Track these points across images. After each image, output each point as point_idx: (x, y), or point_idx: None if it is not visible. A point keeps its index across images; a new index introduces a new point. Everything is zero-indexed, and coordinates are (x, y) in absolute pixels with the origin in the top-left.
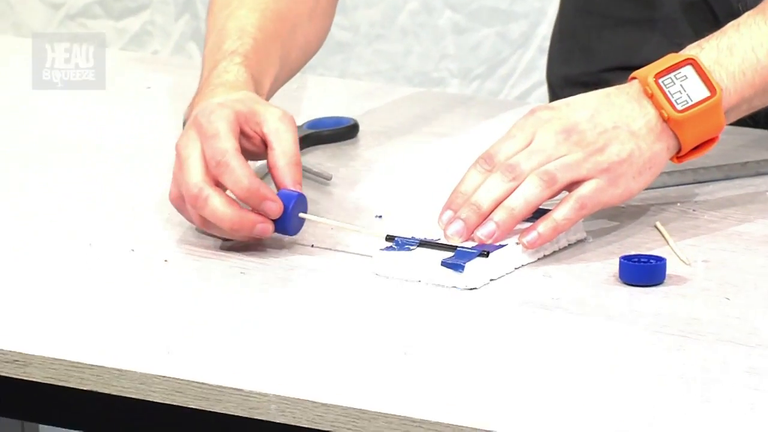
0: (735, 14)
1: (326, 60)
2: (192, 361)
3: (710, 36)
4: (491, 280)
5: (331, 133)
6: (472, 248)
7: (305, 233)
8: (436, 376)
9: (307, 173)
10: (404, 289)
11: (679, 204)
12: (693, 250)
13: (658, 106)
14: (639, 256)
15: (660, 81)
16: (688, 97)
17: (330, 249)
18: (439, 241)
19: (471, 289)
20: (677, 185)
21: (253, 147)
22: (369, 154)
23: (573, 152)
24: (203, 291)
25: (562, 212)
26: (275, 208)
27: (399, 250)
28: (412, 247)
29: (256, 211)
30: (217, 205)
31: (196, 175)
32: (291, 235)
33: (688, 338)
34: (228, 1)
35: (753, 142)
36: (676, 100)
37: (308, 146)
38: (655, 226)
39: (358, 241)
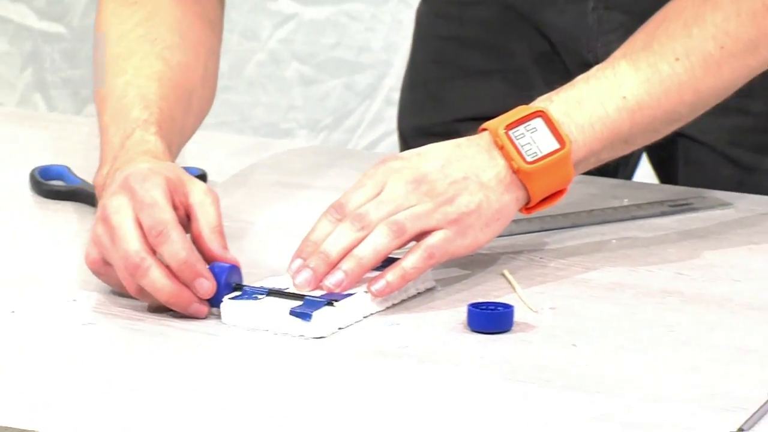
0: (586, 65)
1: None
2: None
3: (560, 89)
4: (339, 328)
5: None
6: (321, 297)
7: None
8: (282, 424)
9: None
10: (252, 338)
11: (526, 252)
12: (540, 297)
13: (508, 158)
14: (487, 304)
15: (510, 132)
16: (538, 149)
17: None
18: (287, 291)
19: (318, 338)
20: (525, 233)
21: (177, 218)
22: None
23: (423, 202)
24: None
25: (410, 261)
26: (207, 287)
27: (247, 298)
28: (260, 296)
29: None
30: (157, 277)
31: (135, 244)
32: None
33: (535, 385)
34: (121, 68)
35: (599, 190)
36: (526, 152)
37: None
38: (503, 274)
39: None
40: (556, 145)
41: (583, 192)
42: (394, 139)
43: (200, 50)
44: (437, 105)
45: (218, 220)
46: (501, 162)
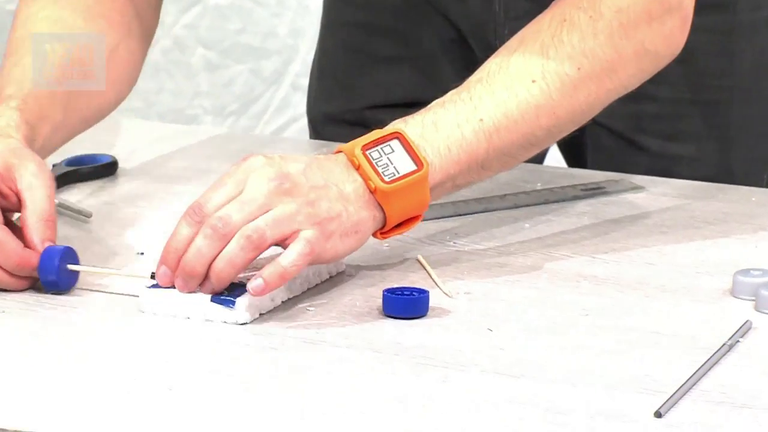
0: (492, 49)
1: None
2: None
3: (415, 113)
4: (261, 314)
5: (90, 171)
6: (239, 282)
7: None
8: (203, 411)
9: (66, 211)
10: (173, 325)
11: (440, 237)
12: (455, 282)
13: (365, 177)
14: (402, 289)
15: (367, 152)
16: (396, 169)
17: (96, 291)
18: None
19: (241, 324)
20: (438, 218)
21: (9, 204)
22: (128, 190)
23: (284, 203)
24: None
25: (288, 258)
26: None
27: (165, 287)
28: None
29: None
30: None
31: None
32: (63, 289)
33: (451, 370)
34: (16, 47)
35: (511, 175)
36: (383, 172)
37: (67, 184)
38: (417, 259)
39: (124, 282)
40: (413, 166)
41: (496, 176)
42: (301, 124)
43: (107, 33)
44: (347, 92)
45: (45, 205)
46: (359, 179)
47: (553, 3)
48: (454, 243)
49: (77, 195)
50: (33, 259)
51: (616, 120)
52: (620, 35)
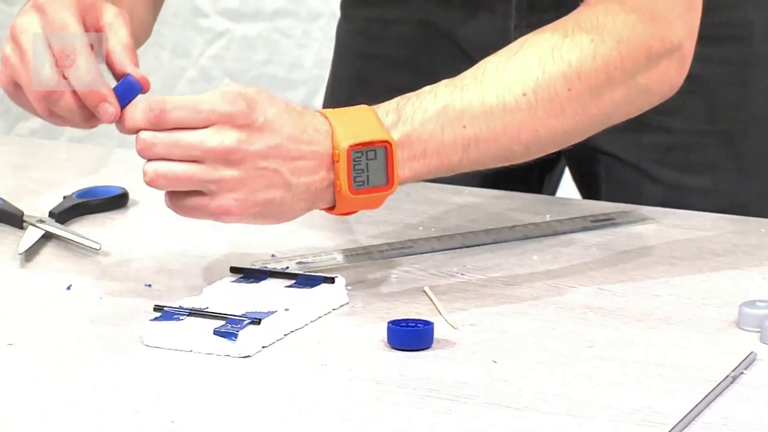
0: None
1: (104, 128)
2: None
3: (411, 100)
4: (263, 347)
5: (101, 203)
6: (242, 316)
7: None
8: None
9: (74, 243)
10: (176, 358)
11: (447, 268)
12: (461, 313)
13: (336, 175)
14: (407, 321)
15: (352, 153)
16: (367, 179)
17: (98, 324)
18: (208, 311)
19: (244, 357)
20: (446, 250)
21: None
22: (138, 222)
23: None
24: None
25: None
26: (110, 112)
27: (169, 320)
28: (182, 317)
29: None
30: (68, 103)
31: (46, 68)
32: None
33: (456, 402)
34: None
35: (522, 206)
36: (355, 178)
37: (77, 216)
38: (424, 291)
39: (123, 315)
40: (383, 182)
41: (506, 207)
42: None
43: None
44: None
45: (129, 38)
46: (326, 177)
47: (562, 19)
48: (462, 274)
49: (86, 227)
50: (103, 89)
51: (631, 152)
52: (616, 65)
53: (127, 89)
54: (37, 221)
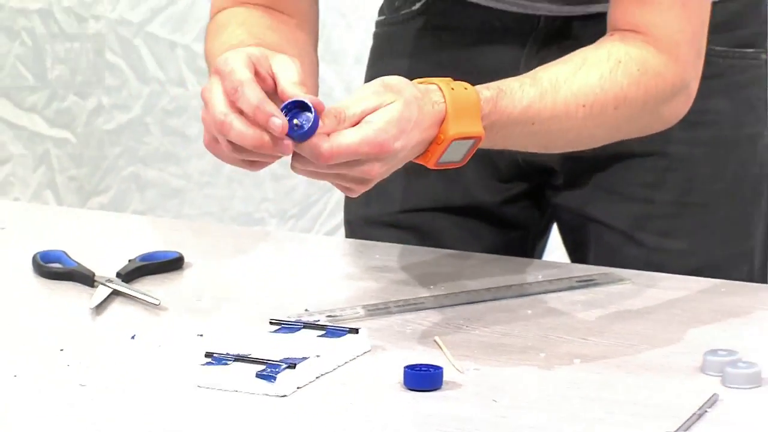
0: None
1: (163, 204)
2: None
3: (506, 95)
4: (298, 387)
5: (160, 265)
6: (280, 361)
7: None
8: None
9: (138, 299)
10: (223, 398)
11: (454, 321)
12: (466, 360)
13: (430, 151)
14: (420, 366)
15: (453, 142)
16: (451, 159)
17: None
18: (251, 357)
19: (281, 396)
20: (454, 305)
21: (265, 87)
22: (191, 282)
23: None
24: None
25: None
26: (279, 124)
27: (217, 364)
28: (229, 362)
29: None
30: (240, 126)
31: (219, 106)
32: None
33: None
34: (217, 35)
35: (518, 268)
36: (443, 159)
37: (140, 276)
38: (435, 340)
39: (179, 360)
40: (459, 160)
41: (505, 270)
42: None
43: (296, 44)
44: (381, 197)
45: (297, 78)
46: (422, 151)
47: (608, 38)
48: (467, 327)
49: (148, 285)
50: (269, 106)
51: (617, 219)
52: (652, 94)
53: (296, 105)
54: (106, 281)
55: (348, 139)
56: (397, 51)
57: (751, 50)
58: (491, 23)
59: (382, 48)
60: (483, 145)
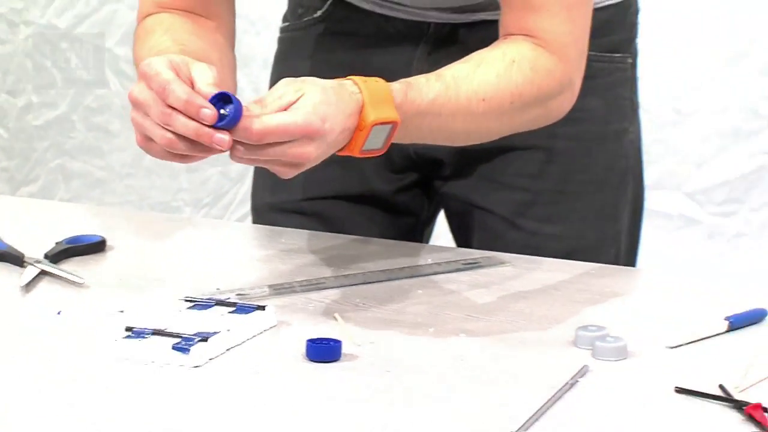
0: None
1: (87, 193)
2: None
3: (416, 88)
4: (210, 359)
5: (85, 248)
6: (194, 334)
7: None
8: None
9: (64, 279)
10: (142, 368)
11: (352, 299)
12: (363, 333)
13: (354, 138)
14: (321, 339)
15: (374, 128)
16: (374, 146)
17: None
18: (167, 330)
19: (195, 366)
20: (351, 285)
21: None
22: (113, 263)
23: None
24: None
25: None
26: (210, 113)
27: (136, 338)
28: (147, 336)
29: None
30: (182, 120)
31: (158, 106)
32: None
33: (360, 402)
34: (144, 40)
35: (410, 252)
36: (366, 146)
37: (66, 258)
38: (334, 317)
39: (102, 334)
40: (380, 147)
41: (398, 253)
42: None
43: (215, 46)
44: (285, 186)
45: (213, 79)
46: (346, 140)
47: (502, 40)
48: (364, 304)
49: (74, 266)
50: (198, 99)
51: (500, 206)
52: (543, 90)
53: (219, 98)
54: (35, 261)
55: (277, 119)
56: (299, 54)
57: (618, 55)
58: (386, 29)
59: (286, 51)
60: (397, 137)
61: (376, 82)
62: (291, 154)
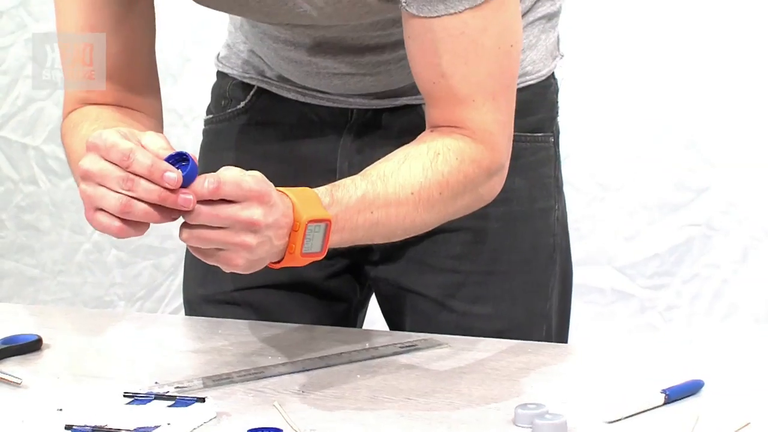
0: None
1: (20, 291)
2: None
3: (343, 189)
4: None
5: (21, 347)
6: (135, 430)
7: None
8: None
9: (1, 379)
10: None
11: (291, 387)
12: (304, 421)
13: (292, 241)
14: (262, 429)
15: (308, 226)
16: (312, 246)
17: None
18: (107, 427)
19: None
20: (290, 373)
21: None
22: (50, 361)
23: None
24: None
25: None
26: (174, 176)
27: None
28: None
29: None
30: (145, 185)
31: (117, 174)
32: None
33: None
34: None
35: (346, 338)
36: (305, 246)
37: (3, 358)
38: (274, 405)
39: None
40: (319, 250)
41: (335, 339)
42: None
43: (147, 129)
44: (216, 277)
45: (165, 143)
46: (286, 240)
47: (427, 134)
48: (303, 392)
49: (10, 366)
50: (162, 164)
51: (430, 288)
52: (471, 179)
53: (175, 159)
54: None
55: (231, 172)
56: (225, 145)
57: (540, 134)
58: (309, 117)
59: (211, 143)
60: (335, 242)
61: (298, 188)
62: (243, 218)
